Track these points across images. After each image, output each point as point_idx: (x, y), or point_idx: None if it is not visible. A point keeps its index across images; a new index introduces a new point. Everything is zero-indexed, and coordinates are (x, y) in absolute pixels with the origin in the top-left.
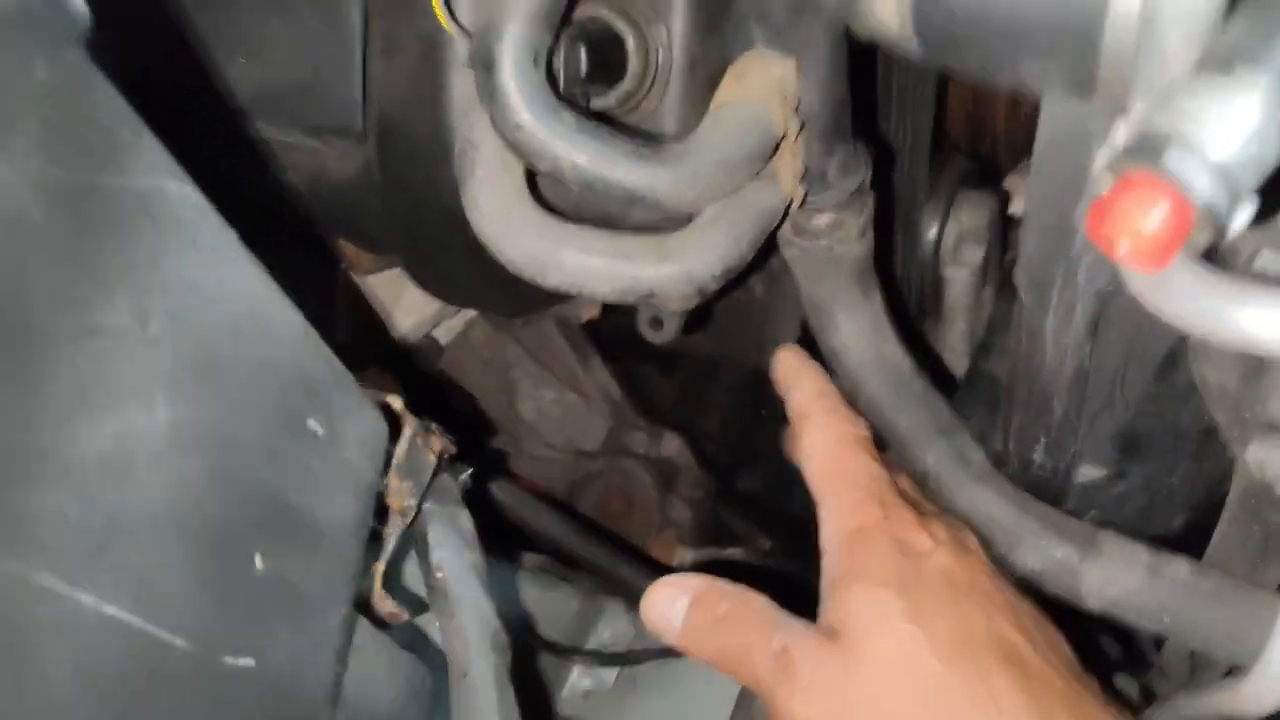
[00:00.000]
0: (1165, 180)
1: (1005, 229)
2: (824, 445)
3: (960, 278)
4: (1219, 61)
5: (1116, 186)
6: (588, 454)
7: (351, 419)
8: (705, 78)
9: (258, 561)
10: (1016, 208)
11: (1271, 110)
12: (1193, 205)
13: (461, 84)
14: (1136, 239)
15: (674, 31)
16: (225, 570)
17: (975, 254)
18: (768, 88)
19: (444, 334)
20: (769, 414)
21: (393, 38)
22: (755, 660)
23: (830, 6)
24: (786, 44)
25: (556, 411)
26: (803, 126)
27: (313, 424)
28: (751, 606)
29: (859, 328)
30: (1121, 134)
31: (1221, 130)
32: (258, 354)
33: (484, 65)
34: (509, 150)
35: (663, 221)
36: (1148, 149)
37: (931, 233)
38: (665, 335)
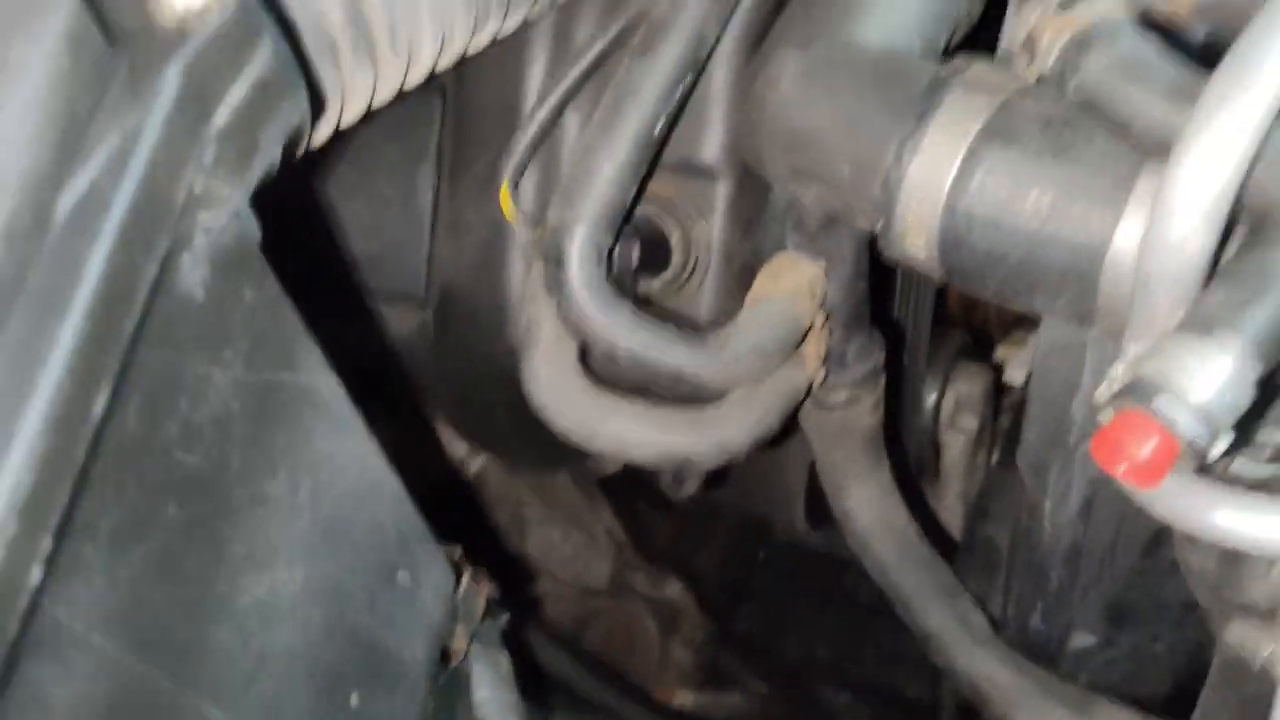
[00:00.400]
0: (1156, 420)
1: (999, 400)
2: None
3: (957, 443)
4: (1201, 323)
5: (1116, 421)
6: (593, 592)
7: (429, 570)
8: (739, 269)
9: (354, 699)
10: (1009, 376)
11: (1242, 368)
12: (1178, 441)
13: (520, 265)
14: (1132, 464)
15: (713, 230)
16: (331, 706)
17: (971, 422)
18: (799, 286)
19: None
20: (766, 557)
21: (460, 219)
22: None
23: (861, 226)
24: (817, 250)
25: (564, 550)
26: (827, 318)
27: (402, 575)
28: None
29: (868, 494)
30: (1119, 373)
31: (1202, 383)
32: (369, 516)
33: (554, 260)
34: (567, 330)
35: (700, 394)
36: (1142, 392)
37: (931, 400)
38: (685, 491)
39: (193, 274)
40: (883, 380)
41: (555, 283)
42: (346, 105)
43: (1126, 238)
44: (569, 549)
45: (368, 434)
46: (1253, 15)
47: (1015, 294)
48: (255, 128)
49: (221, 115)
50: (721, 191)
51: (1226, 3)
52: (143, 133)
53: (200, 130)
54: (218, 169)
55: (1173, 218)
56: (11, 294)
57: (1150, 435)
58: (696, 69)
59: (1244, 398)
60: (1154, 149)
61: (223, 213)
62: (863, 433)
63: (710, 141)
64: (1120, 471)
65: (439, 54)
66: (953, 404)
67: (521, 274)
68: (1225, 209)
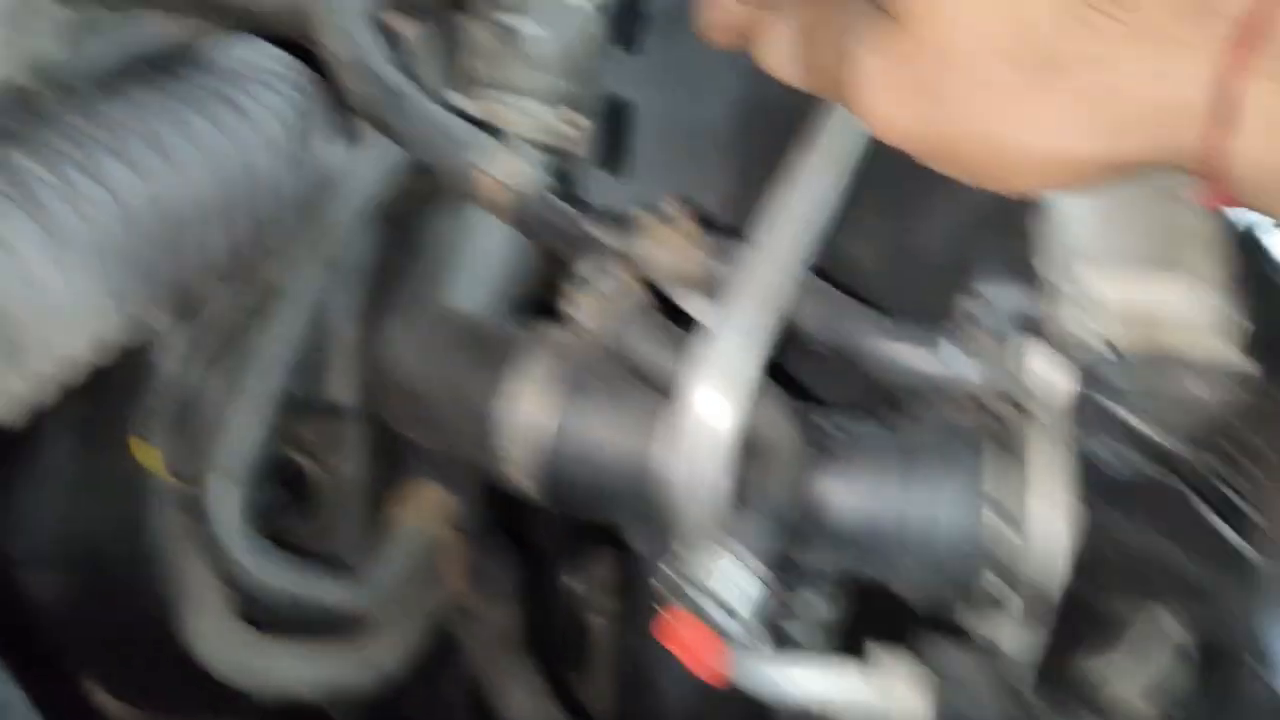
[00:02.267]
0: (694, 617)
1: (638, 579)
2: None
3: (602, 624)
4: (714, 534)
5: (669, 618)
6: None
7: None
8: (377, 497)
9: None
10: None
11: (745, 570)
12: (717, 634)
13: (158, 518)
14: (682, 650)
15: (349, 464)
16: None
17: (609, 602)
18: (431, 510)
19: None
20: None
21: (93, 474)
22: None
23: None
24: (444, 478)
25: None
26: (464, 536)
27: None
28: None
29: (520, 689)
30: (665, 574)
31: (719, 583)
32: None
33: (196, 514)
34: (218, 579)
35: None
36: (674, 586)
37: (569, 586)
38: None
39: None
40: (521, 585)
41: (199, 535)
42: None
43: (659, 462)
44: None
45: None
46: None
47: (598, 511)
48: None
49: None
50: (354, 428)
51: (712, 277)
52: None
53: None
54: None
55: (686, 455)
56: None
57: (695, 627)
58: (317, 327)
59: (752, 589)
60: (673, 395)
61: None
62: (507, 636)
63: (340, 384)
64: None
65: (96, 354)
66: (591, 588)
67: (163, 523)
68: (723, 446)
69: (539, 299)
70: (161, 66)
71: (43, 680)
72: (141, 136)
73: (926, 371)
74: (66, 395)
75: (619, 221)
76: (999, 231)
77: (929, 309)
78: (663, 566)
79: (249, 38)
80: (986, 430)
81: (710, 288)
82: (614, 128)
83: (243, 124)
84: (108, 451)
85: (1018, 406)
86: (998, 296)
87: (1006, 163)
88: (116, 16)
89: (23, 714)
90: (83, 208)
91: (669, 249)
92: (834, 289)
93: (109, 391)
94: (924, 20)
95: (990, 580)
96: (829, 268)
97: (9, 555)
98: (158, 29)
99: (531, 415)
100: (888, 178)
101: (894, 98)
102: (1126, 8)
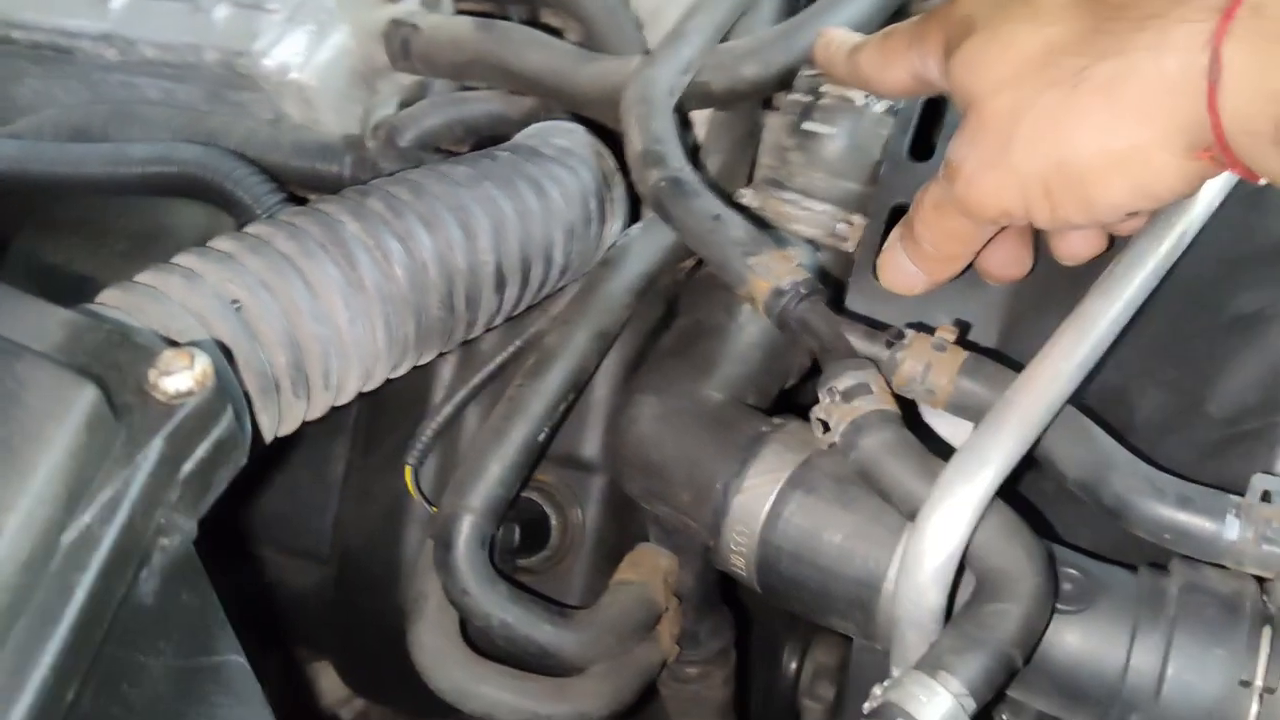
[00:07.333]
0: None
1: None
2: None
3: (815, 711)
4: (931, 664)
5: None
6: None
7: None
8: (608, 550)
9: None
10: None
11: (958, 706)
12: None
13: (416, 535)
14: None
15: (588, 515)
16: None
17: (828, 690)
18: (654, 574)
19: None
20: None
21: (368, 490)
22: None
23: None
24: (672, 545)
25: None
26: (681, 601)
27: None
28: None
29: None
30: (879, 693)
31: (928, 714)
32: None
33: (443, 543)
34: (450, 603)
35: (565, 666)
36: (886, 715)
37: (791, 668)
38: None
39: (147, 584)
40: (733, 656)
41: (442, 563)
42: (281, 428)
43: (882, 577)
44: None
45: (264, 703)
46: (987, 412)
47: (816, 612)
48: (211, 473)
49: (188, 467)
50: (597, 483)
51: (970, 401)
52: (130, 487)
53: (171, 480)
54: (179, 506)
55: (913, 575)
56: (20, 609)
57: None
58: (578, 390)
59: None
60: (908, 514)
61: (178, 538)
62: (714, 704)
63: (590, 440)
64: None
65: (362, 386)
66: (811, 672)
67: (416, 544)
68: (951, 572)
69: (792, 395)
70: (481, 145)
71: (271, 656)
72: (451, 209)
73: (1205, 542)
74: (357, 412)
75: (885, 335)
76: None
77: (1207, 469)
78: (876, 690)
79: (560, 124)
80: (1257, 609)
81: (968, 412)
82: None
83: (540, 203)
84: (382, 469)
85: None
86: None
87: (1088, 177)
88: (448, 84)
89: (245, 679)
90: (383, 264)
91: (929, 368)
92: (1104, 434)
93: (389, 412)
94: (979, 96)
95: None
96: (1102, 409)
97: (281, 541)
98: (483, 103)
99: (761, 507)
100: (1191, 328)
101: (986, 174)
102: (1130, 5)
